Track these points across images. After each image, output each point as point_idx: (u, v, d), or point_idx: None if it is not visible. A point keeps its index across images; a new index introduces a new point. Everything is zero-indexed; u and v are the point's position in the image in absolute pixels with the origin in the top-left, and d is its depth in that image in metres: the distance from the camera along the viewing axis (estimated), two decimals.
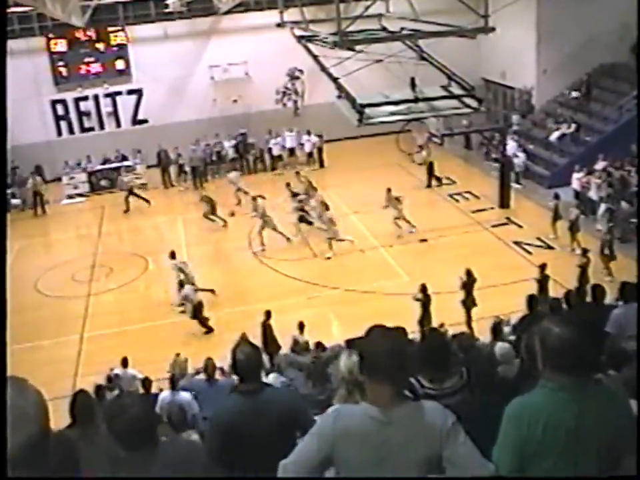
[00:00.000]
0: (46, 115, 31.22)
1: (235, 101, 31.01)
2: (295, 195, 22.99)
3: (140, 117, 31.55)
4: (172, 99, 31.25)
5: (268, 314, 15.06)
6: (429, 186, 26.39)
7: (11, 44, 30.18)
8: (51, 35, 30.39)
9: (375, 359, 3.11)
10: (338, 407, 3.63)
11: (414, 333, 13.45)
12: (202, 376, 11.94)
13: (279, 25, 19.84)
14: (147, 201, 26.80)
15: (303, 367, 7.22)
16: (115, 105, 31.59)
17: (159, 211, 26.55)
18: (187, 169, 29.53)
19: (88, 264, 21.95)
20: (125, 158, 30.17)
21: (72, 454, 3.86)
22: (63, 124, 31.69)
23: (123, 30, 30.70)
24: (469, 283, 15.93)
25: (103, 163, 30.24)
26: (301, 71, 29.04)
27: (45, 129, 31.17)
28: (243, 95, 31.06)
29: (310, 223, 22.20)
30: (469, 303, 15.92)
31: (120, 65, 31.02)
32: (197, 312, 17.01)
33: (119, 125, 31.80)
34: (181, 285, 18.01)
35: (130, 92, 31.41)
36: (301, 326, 14.63)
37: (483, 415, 3.75)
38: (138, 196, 26.90)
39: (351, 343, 10.28)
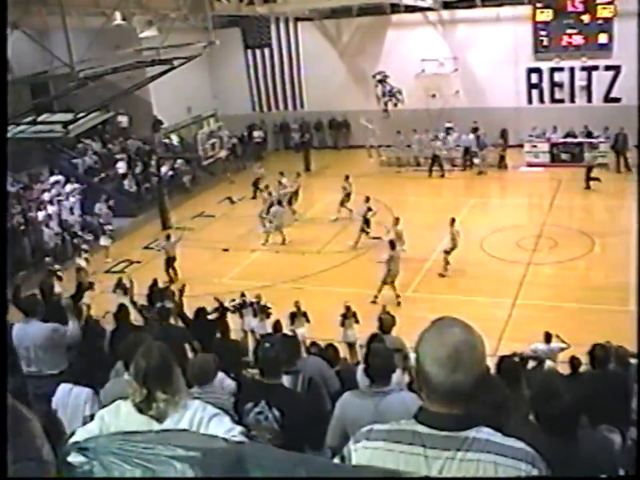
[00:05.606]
0: (519, 82, 32.19)
1: None
2: None
3: (613, 94, 30.70)
4: None
5: None
6: None
7: (499, 10, 31.58)
8: (538, 5, 30.95)
9: None
10: None
11: None
12: None
13: None
14: (595, 179, 26.25)
15: None
16: (589, 79, 31.16)
17: (613, 194, 25.83)
18: None
19: (534, 233, 22.34)
20: (590, 134, 29.71)
21: (505, 401, 4.35)
22: (535, 92, 32.37)
23: (612, 2, 29.91)
24: None
25: (566, 136, 30.23)
26: None
27: (516, 95, 32.25)
28: None
29: None
30: None
31: (602, 38, 30.35)
32: None
33: (589, 100, 31.38)
34: None
35: (607, 67, 30.62)
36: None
37: None
38: (591, 178, 26.39)
39: None
